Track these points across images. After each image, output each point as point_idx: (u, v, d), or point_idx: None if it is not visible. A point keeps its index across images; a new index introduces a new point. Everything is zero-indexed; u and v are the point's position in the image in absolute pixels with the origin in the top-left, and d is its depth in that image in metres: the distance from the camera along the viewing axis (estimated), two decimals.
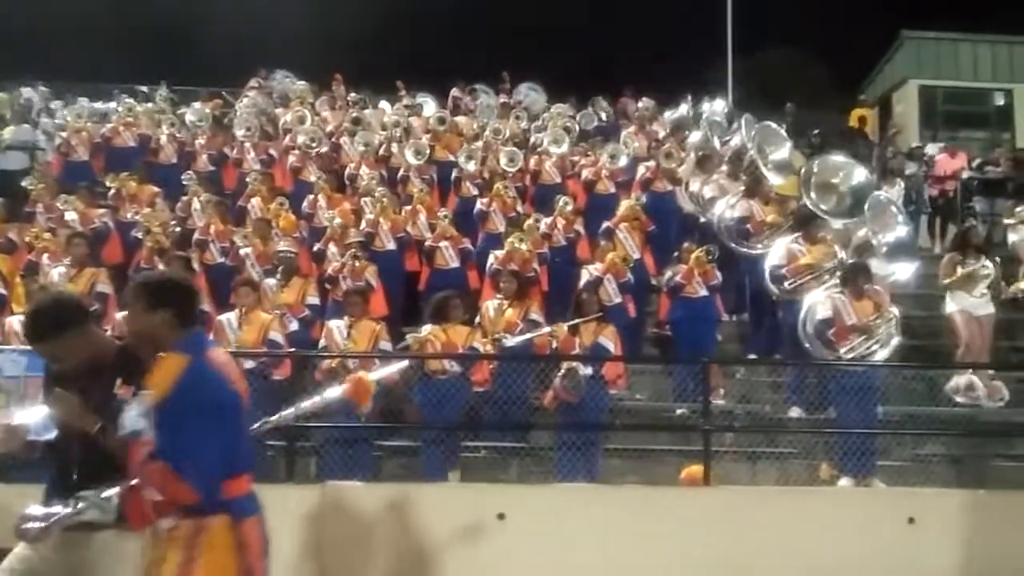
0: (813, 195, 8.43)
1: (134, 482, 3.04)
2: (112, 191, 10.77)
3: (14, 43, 17.74)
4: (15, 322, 7.25)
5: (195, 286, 3.47)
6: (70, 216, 9.78)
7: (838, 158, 9.03)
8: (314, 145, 11.84)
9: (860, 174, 8.80)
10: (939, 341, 9.35)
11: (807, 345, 7.78)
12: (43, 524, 2.95)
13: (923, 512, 6.15)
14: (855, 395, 7.26)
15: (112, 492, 3.01)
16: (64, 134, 12.44)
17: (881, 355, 7.46)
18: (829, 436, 7.49)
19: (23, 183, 11.01)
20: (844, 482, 7.12)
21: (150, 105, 13.70)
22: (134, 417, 3.05)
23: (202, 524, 3.01)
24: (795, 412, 8.20)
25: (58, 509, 2.98)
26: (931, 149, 15.61)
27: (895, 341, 7.55)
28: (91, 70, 16.61)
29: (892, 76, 21.85)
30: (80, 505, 2.98)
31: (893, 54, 22.04)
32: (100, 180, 11.56)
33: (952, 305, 8.86)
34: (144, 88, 16.20)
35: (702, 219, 10.44)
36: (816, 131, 15.07)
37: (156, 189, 10.91)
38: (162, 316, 3.10)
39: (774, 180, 9.58)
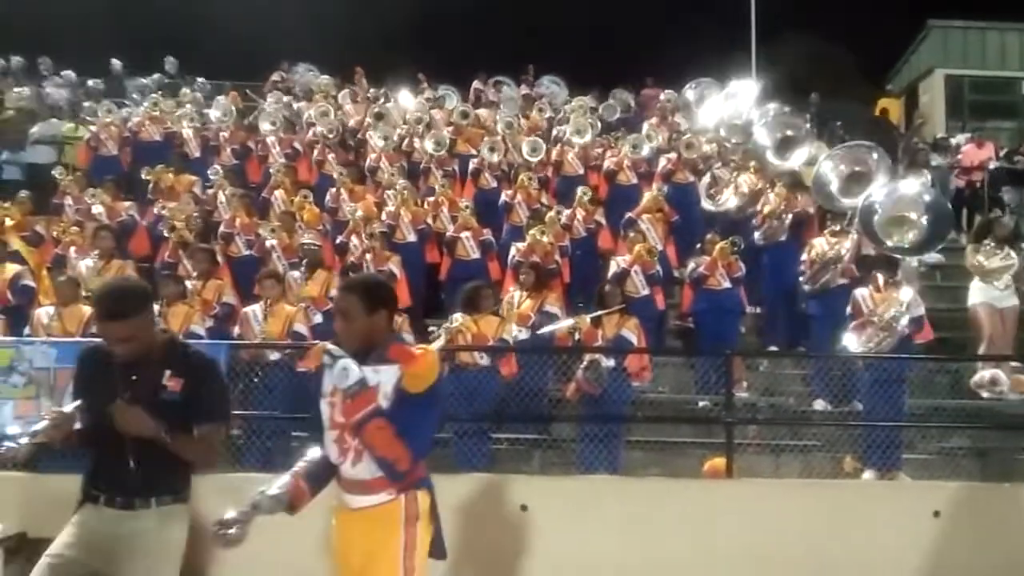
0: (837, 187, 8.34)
1: (295, 470, 3.45)
2: (150, 184, 10.86)
3: (31, 39, 17.86)
4: (43, 314, 7.37)
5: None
6: (97, 209, 9.90)
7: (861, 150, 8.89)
8: (331, 135, 11.88)
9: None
10: (964, 333, 9.25)
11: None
12: (240, 527, 3.22)
13: (948, 505, 6.10)
14: (881, 388, 7.23)
15: (280, 490, 3.34)
16: (93, 128, 12.53)
17: (886, 345, 7.41)
18: (853, 429, 7.46)
19: (52, 172, 11.13)
20: (868, 475, 7.09)
21: (167, 101, 13.71)
22: (357, 371, 3.30)
23: (415, 495, 3.41)
24: (819, 405, 8.18)
25: (242, 511, 3.26)
26: (958, 139, 15.43)
27: (903, 324, 7.48)
28: (106, 60, 16.68)
29: (918, 66, 21.61)
30: (258, 504, 3.29)
31: (919, 43, 21.79)
32: (128, 174, 11.68)
33: (975, 297, 8.75)
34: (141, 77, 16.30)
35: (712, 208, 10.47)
36: (839, 123, 14.94)
37: (193, 178, 11.00)
38: (380, 316, 3.40)
39: (777, 163, 9.52)
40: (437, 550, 3.52)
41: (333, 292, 8.50)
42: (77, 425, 3.39)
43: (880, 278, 7.71)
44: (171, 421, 3.40)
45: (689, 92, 12.83)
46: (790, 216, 9.60)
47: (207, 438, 3.54)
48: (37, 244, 9.65)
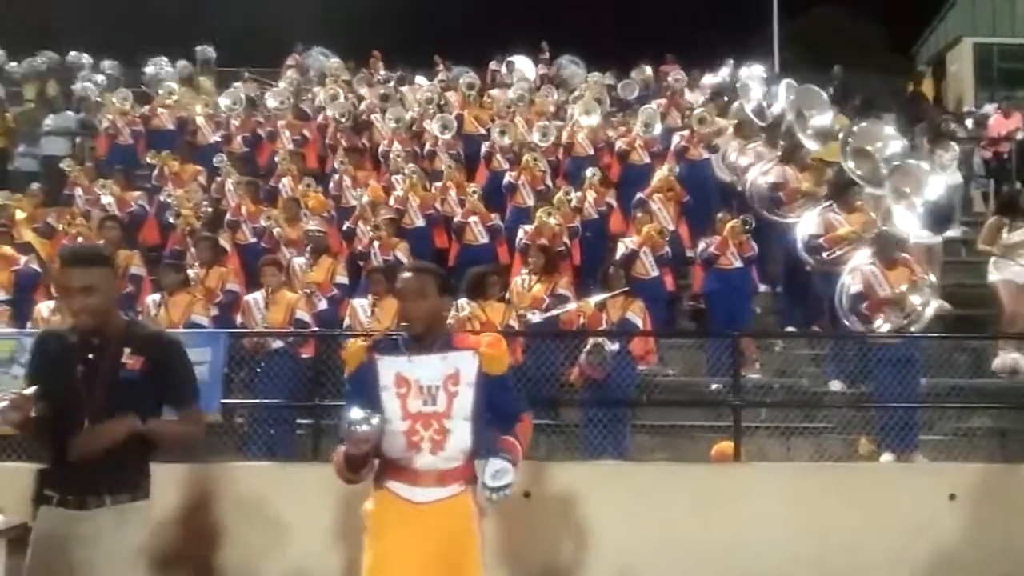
0: (851, 161, 8.06)
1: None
2: (155, 171, 10.87)
3: (50, 28, 17.94)
4: (44, 308, 7.37)
5: None
6: (106, 200, 9.91)
7: (877, 126, 8.62)
8: (344, 120, 11.79)
9: (897, 144, 8.39)
10: (987, 311, 8.99)
11: (844, 320, 7.56)
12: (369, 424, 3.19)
13: (964, 488, 5.97)
14: (894, 368, 7.03)
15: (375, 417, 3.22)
16: (111, 116, 12.56)
17: (917, 326, 7.18)
18: (868, 410, 7.28)
19: (61, 165, 11.17)
20: (886, 457, 6.91)
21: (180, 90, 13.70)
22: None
23: (475, 488, 3.43)
24: (836, 386, 7.99)
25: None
26: (985, 109, 15.01)
27: (932, 308, 7.25)
28: (126, 46, 16.71)
29: (946, 35, 21.12)
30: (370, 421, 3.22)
31: (947, 12, 21.31)
32: (142, 163, 11.69)
33: (995, 274, 8.49)
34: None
35: (739, 187, 10.17)
36: (860, 96, 14.56)
37: (199, 168, 10.98)
38: (446, 301, 3.54)
39: (812, 145, 9.22)
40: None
41: (338, 279, 8.48)
42: (33, 412, 3.26)
43: (889, 254, 7.46)
44: (131, 400, 3.31)
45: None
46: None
47: (191, 418, 3.48)
48: (49, 236, 9.65)
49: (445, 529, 3.31)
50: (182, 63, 15.73)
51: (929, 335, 7.47)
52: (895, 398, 6.93)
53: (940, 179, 7.40)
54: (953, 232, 10.16)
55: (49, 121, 12.98)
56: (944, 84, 19.16)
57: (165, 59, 15.69)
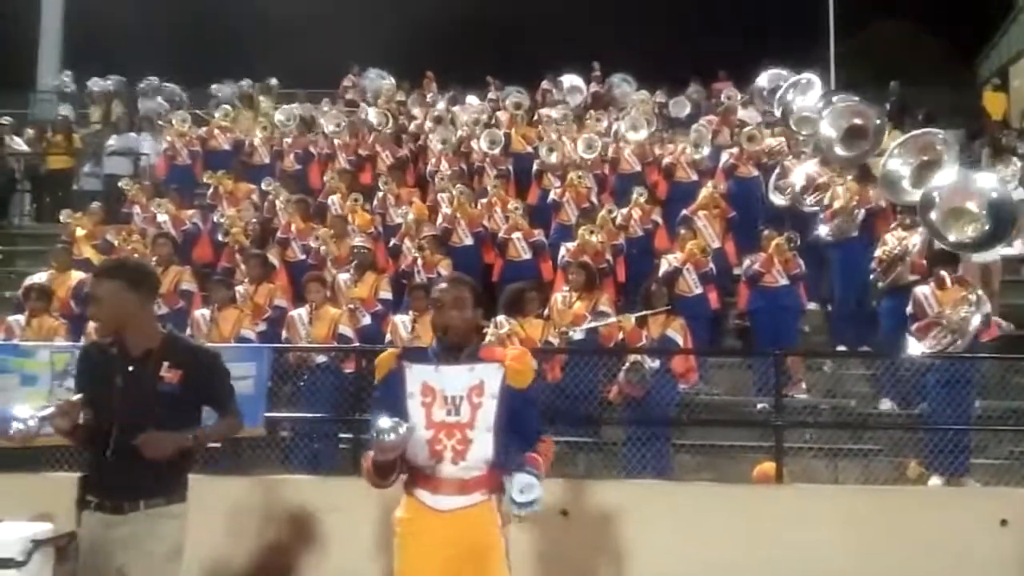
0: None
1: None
2: (210, 190, 11.16)
3: (107, 52, 18.50)
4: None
5: None
6: (162, 218, 10.19)
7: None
8: (380, 128, 11.97)
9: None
10: None
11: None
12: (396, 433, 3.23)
13: (1017, 513, 5.76)
14: (948, 388, 6.86)
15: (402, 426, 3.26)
16: (170, 138, 12.92)
17: (961, 343, 6.99)
18: (917, 432, 7.10)
19: (120, 184, 11.53)
20: (935, 481, 6.73)
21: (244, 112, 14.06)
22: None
23: (500, 498, 3.45)
24: (885, 405, 7.82)
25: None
26: None
27: (976, 320, 7.05)
28: (186, 70, 17.16)
29: (1008, 49, 20.58)
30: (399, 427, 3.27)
31: (1009, 25, 20.76)
32: (199, 182, 12.00)
33: None
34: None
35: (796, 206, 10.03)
36: (921, 111, 14.26)
37: (252, 187, 11.23)
38: (479, 313, 3.58)
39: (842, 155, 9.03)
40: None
41: (382, 294, 8.57)
42: (81, 419, 3.41)
43: (944, 275, 7.29)
44: (169, 412, 3.43)
45: (762, 80, 12.42)
46: (862, 211, 9.16)
47: (228, 420, 3.66)
48: (107, 252, 9.91)
49: (467, 537, 3.36)
50: (245, 82, 16.12)
51: (983, 355, 7.28)
52: (947, 419, 6.75)
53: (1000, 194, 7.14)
54: (1012, 250, 9.90)
55: (112, 141, 13.41)
56: (1007, 99, 18.64)
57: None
